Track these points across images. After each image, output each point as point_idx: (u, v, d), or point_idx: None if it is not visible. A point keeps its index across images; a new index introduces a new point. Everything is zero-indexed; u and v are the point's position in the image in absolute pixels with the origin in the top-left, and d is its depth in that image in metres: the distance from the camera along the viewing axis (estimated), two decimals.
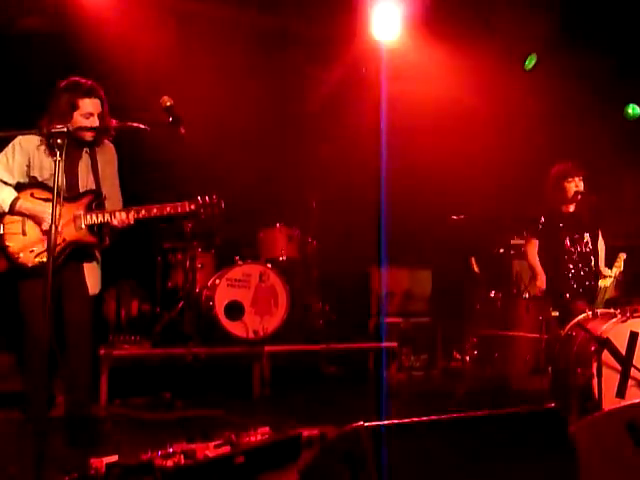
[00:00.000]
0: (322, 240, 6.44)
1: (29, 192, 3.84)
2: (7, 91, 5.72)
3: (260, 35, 6.59)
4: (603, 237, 5.42)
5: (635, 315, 4.46)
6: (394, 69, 7.28)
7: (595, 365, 4.22)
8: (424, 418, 2.74)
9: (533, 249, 5.36)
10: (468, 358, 6.28)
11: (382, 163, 7.50)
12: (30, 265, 3.79)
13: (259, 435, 3.17)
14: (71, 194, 3.83)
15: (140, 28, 6.19)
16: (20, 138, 3.86)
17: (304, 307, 6.15)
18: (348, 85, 7.35)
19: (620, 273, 5.32)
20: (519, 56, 7.17)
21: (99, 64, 6.02)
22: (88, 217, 3.88)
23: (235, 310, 5.59)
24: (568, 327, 4.77)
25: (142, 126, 3.49)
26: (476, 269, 6.91)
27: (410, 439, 3.26)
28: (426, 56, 7.03)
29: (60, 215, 3.27)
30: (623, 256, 5.30)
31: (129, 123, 3.48)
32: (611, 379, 4.26)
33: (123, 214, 3.88)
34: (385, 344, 6.03)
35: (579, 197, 5.24)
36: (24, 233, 3.81)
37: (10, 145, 3.86)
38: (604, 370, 4.22)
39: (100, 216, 3.88)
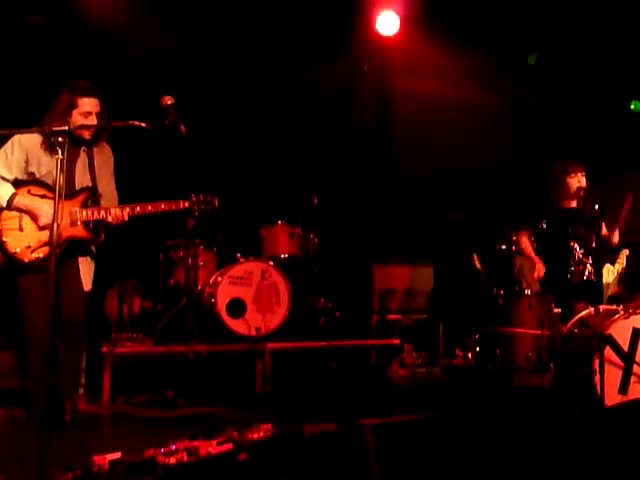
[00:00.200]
0: (324, 237, 6.44)
1: (26, 189, 3.89)
2: (8, 90, 5.72)
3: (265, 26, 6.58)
4: (605, 232, 5.41)
5: (638, 311, 4.46)
6: (396, 65, 7.29)
7: (597, 362, 4.21)
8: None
9: (525, 239, 5.36)
10: (470, 355, 6.29)
11: (384, 160, 7.53)
12: (27, 260, 3.84)
13: (262, 432, 3.17)
14: (67, 191, 3.86)
15: (140, 26, 6.20)
16: (19, 135, 3.90)
17: (306, 304, 6.14)
18: (350, 81, 7.35)
19: (623, 269, 5.32)
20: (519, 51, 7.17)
21: (101, 63, 6.06)
22: (84, 213, 3.94)
23: (237, 307, 5.59)
24: (570, 324, 4.77)
25: (143, 124, 3.50)
26: (478, 265, 6.91)
27: (412, 436, 3.27)
28: (426, 51, 7.02)
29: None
30: (626, 252, 5.30)
31: (130, 122, 3.49)
32: (613, 376, 4.26)
33: (118, 211, 3.95)
34: (387, 341, 6.03)
35: (582, 193, 5.24)
36: (21, 229, 3.86)
37: (9, 142, 3.91)
38: (606, 367, 4.21)
39: (95, 212, 3.94)
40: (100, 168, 4.11)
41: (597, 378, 4.17)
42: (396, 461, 3.08)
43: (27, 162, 3.93)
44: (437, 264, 7.00)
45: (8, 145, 3.93)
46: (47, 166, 3.92)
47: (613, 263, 5.41)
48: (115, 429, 4.40)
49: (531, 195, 5.81)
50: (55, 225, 3.02)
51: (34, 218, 3.86)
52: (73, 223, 3.92)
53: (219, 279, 5.64)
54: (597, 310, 4.70)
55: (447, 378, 6.32)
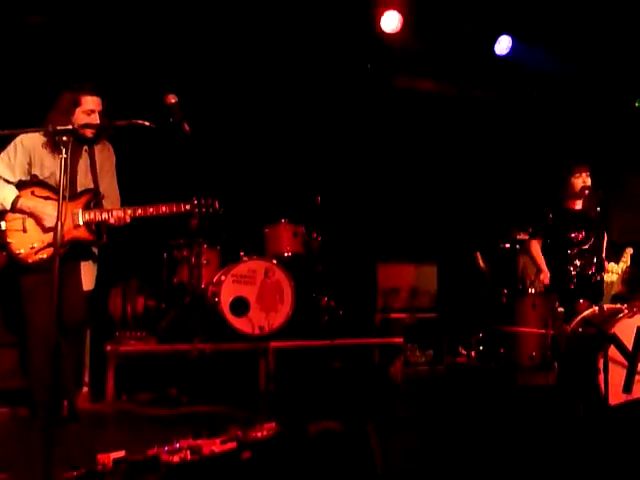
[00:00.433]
0: (327, 236, 6.44)
1: (30, 190, 3.90)
2: (12, 90, 5.73)
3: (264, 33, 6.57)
4: (609, 233, 5.41)
5: None
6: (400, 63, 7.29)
7: (602, 361, 4.21)
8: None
9: (537, 245, 5.36)
10: (474, 354, 6.28)
11: (387, 158, 7.52)
12: (31, 261, 3.85)
13: (265, 431, 3.17)
14: (70, 193, 3.86)
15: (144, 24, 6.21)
16: (22, 137, 3.92)
17: (309, 303, 6.14)
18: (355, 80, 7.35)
19: (627, 268, 5.31)
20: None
21: (104, 62, 6.06)
22: (86, 215, 3.95)
23: (240, 306, 5.59)
24: (574, 323, 4.77)
25: (147, 123, 3.50)
26: (482, 264, 6.90)
27: (414, 434, 3.27)
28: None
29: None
30: (630, 251, 5.29)
31: (134, 120, 3.50)
32: (618, 375, 4.25)
33: (120, 213, 3.96)
34: (390, 340, 6.02)
35: (586, 192, 5.23)
36: (25, 230, 3.87)
37: (12, 144, 3.92)
38: (610, 366, 4.21)
39: (98, 214, 3.95)
40: (102, 167, 4.12)
41: (601, 377, 4.17)
42: (398, 461, 3.08)
43: (30, 164, 3.94)
44: (441, 263, 6.99)
45: (11, 147, 3.93)
46: (50, 168, 3.93)
47: (617, 262, 5.41)
48: (119, 427, 4.41)
49: (535, 194, 5.82)
50: (59, 225, 3.03)
51: (38, 220, 3.87)
52: (76, 225, 3.93)
53: (222, 278, 5.65)
54: (601, 309, 4.69)
55: (451, 377, 6.32)
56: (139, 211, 4.01)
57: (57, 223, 3.03)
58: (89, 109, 3.93)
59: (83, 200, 3.99)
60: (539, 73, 7.16)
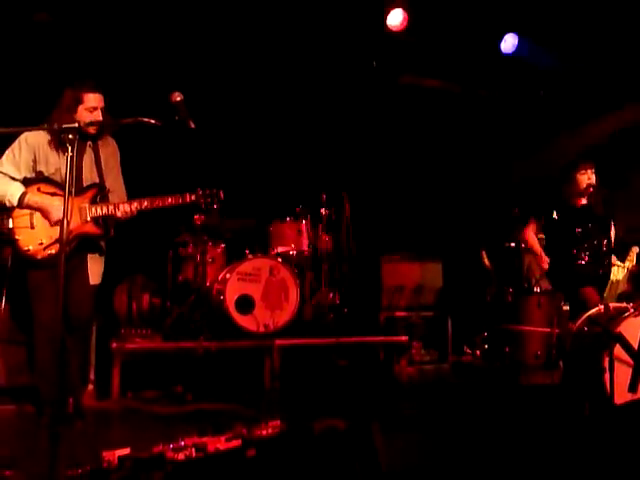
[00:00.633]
0: (332, 233, 6.44)
1: (36, 187, 3.92)
2: (16, 88, 5.75)
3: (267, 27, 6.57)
4: (615, 230, 5.40)
5: None
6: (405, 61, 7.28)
7: (607, 360, 4.20)
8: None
9: (530, 231, 5.37)
10: (479, 352, 6.27)
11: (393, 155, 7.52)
12: (39, 257, 3.87)
13: (270, 428, 3.17)
14: (76, 188, 3.87)
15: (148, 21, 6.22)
16: (26, 134, 3.93)
17: (314, 301, 6.14)
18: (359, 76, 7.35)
19: (633, 267, 5.30)
20: None
21: (109, 60, 6.08)
22: (93, 209, 3.97)
23: (246, 304, 5.60)
24: (580, 321, 4.76)
25: (153, 121, 3.51)
26: (487, 263, 6.89)
27: (418, 432, 3.26)
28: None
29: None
30: (636, 250, 5.29)
31: (140, 118, 3.51)
32: (623, 374, 4.24)
33: (127, 206, 3.99)
34: (396, 338, 6.02)
35: (591, 190, 5.23)
36: (32, 226, 3.89)
37: (16, 141, 3.94)
38: (616, 365, 4.20)
39: (105, 208, 3.98)
40: (107, 162, 4.14)
41: (607, 376, 4.16)
42: (402, 459, 3.08)
43: (35, 161, 3.96)
44: (446, 261, 6.99)
45: (15, 145, 3.95)
46: (55, 164, 3.95)
47: (623, 261, 5.40)
48: (124, 425, 4.42)
49: (541, 191, 5.81)
50: (65, 222, 3.04)
51: (45, 215, 3.89)
52: (83, 219, 3.95)
53: (228, 275, 5.65)
54: (607, 308, 4.68)
55: (455, 375, 6.32)
56: (145, 203, 4.03)
57: (63, 220, 3.05)
58: (91, 106, 3.94)
59: (89, 195, 4.01)
60: (544, 70, 7.14)
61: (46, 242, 3.87)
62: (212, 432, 3.01)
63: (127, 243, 4.60)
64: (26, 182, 3.93)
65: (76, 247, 3.95)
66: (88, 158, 4.06)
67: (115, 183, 4.20)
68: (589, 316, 4.73)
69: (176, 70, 6.27)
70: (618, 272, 5.52)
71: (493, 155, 7.67)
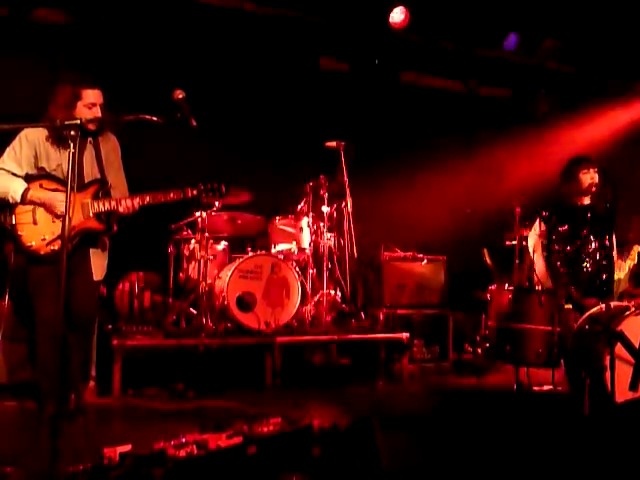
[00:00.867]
0: (334, 231, 6.43)
1: (38, 183, 3.92)
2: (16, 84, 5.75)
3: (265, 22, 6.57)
4: (617, 230, 5.39)
5: None
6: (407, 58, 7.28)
7: (608, 358, 4.20)
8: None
9: (536, 237, 5.37)
10: (480, 350, 6.27)
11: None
12: (43, 253, 3.88)
13: (271, 426, 3.18)
14: (78, 184, 3.87)
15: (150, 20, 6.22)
16: (26, 131, 3.94)
17: (316, 298, 6.14)
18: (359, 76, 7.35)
19: (634, 266, 5.30)
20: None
21: (111, 57, 6.08)
22: (95, 205, 3.98)
23: (247, 301, 5.60)
24: (581, 320, 4.76)
25: (155, 118, 3.52)
26: (488, 261, 6.89)
27: (419, 430, 3.27)
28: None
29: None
30: (638, 248, 5.28)
31: (142, 115, 3.51)
32: (624, 372, 4.24)
33: (129, 201, 3.99)
34: (397, 335, 6.02)
35: (594, 189, 5.22)
36: (35, 222, 3.89)
37: (17, 138, 3.95)
38: (617, 363, 4.20)
39: (107, 204, 3.99)
40: (107, 158, 4.14)
41: (608, 374, 4.16)
42: (402, 457, 3.08)
43: (36, 157, 3.96)
44: (448, 259, 6.98)
45: (16, 141, 3.96)
46: (56, 160, 3.95)
47: (624, 259, 5.40)
48: (125, 421, 4.43)
49: (544, 190, 5.80)
50: (67, 218, 3.04)
51: (49, 210, 3.90)
52: (85, 215, 3.95)
53: (229, 273, 5.65)
54: (608, 306, 4.68)
55: (456, 374, 6.32)
56: (147, 199, 4.04)
57: (65, 217, 3.05)
58: (90, 102, 3.94)
59: (91, 190, 4.02)
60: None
61: (49, 238, 3.88)
62: (213, 429, 3.01)
63: (129, 240, 4.60)
64: (28, 178, 3.94)
65: (79, 243, 3.96)
66: (89, 154, 4.07)
67: (116, 179, 4.21)
68: (590, 314, 4.73)
69: (179, 66, 6.28)
70: (620, 271, 5.52)
71: (493, 153, 7.67)
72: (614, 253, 5.32)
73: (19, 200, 3.87)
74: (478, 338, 6.41)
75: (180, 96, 3.75)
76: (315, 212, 6.33)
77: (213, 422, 3.13)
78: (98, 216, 4.01)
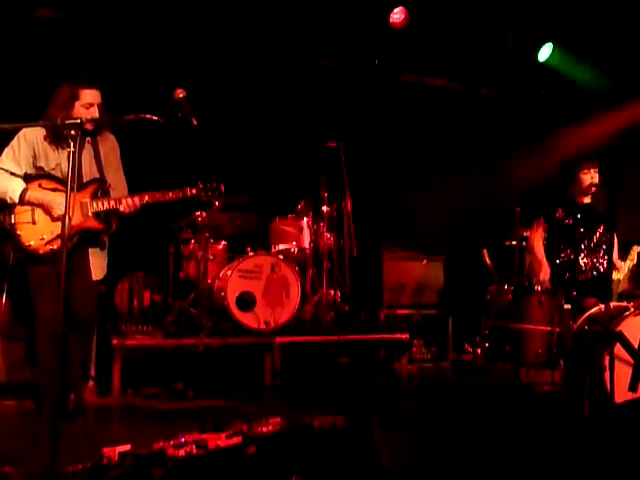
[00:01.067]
0: (333, 231, 6.43)
1: (37, 183, 3.92)
2: (12, 82, 5.75)
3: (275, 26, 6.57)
4: (617, 230, 5.39)
5: None
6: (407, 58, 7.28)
7: (607, 358, 4.20)
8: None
9: (537, 237, 5.38)
10: (479, 350, 6.27)
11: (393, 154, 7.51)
12: (42, 252, 3.87)
13: (271, 425, 3.18)
14: (77, 183, 3.87)
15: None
16: (24, 130, 3.93)
17: (315, 298, 6.14)
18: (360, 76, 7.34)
19: (633, 266, 5.31)
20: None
21: (112, 56, 6.07)
22: (94, 204, 3.97)
23: (246, 301, 5.60)
24: (581, 320, 4.76)
25: (155, 118, 3.51)
26: (488, 261, 6.89)
27: (418, 430, 3.27)
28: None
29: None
30: (637, 249, 5.28)
31: (143, 115, 3.51)
32: (623, 372, 4.24)
33: (130, 200, 3.98)
34: (396, 335, 6.02)
35: (593, 189, 5.23)
36: (34, 222, 3.89)
37: (16, 138, 3.94)
38: (616, 363, 4.20)
39: (106, 203, 3.97)
40: (106, 158, 4.13)
41: (607, 375, 4.16)
42: (401, 456, 3.08)
43: (35, 157, 3.95)
44: (448, 259, 6.99)
45: (15, 141, 3.95)
46: (55, 160, 3.95)
47: (624, 259, 5.40)
48: (125, 421, 4.43)
49: (544, 190, 5.81)
50: (67, 218, 3.04)
51: (47, 211, 3.89)
52: (84, 214, 3.95)
53: (229, 272, 5.66)
54: (607, 307, 4.68)
55: (455, 374, 6.32)
56: (146, 198, 4.03)
57: (65, 217, 3.05)
58: (88, 102, 3.92)
59: (90, 190, 4.01)
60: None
61: (48, 237, 3.88)
62: (213, 429, 3.01)
63: (128, 240, 4.60)
64: (27, 178, 3.93)
65: (78, 242, 3.95)
66: (87, 154, 4.06)
67: (116, 178, 4.20)
68: (590, 315, 4.73)
69: (179, 66, 6.28)
70: (619, 271, 5.52)
71: (495, 153, 7.67)
72: (615, 253, 5.33)
73: (17, 201, 3.86)
74: (477, 338, 6.41)
75: (181, 95, 3.75)
76: (315, 212, 6.33)
77: (212, 422, 3.13)
78: (97, 215, 4.00)
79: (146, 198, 4.04)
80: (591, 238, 5.25)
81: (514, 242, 6.36)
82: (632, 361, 4.28)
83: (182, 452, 2.73)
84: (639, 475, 3.00)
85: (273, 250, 6.15)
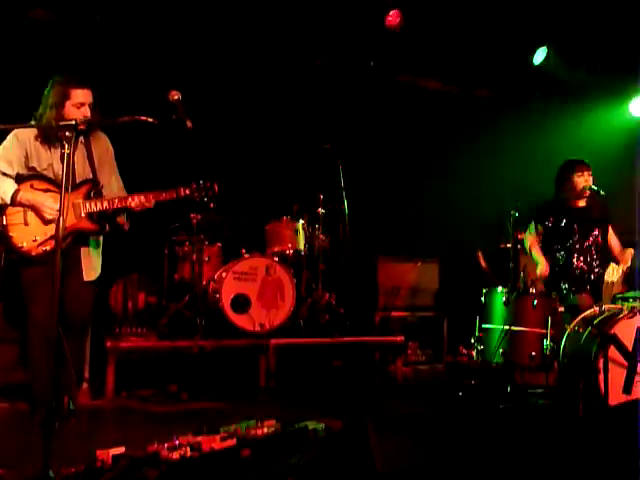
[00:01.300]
0: (329, 233, 6.43)
1: (29, 184, 3.90)
2: (5, 83, 5.73)
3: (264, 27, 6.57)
4: (615, 233, 5.41)
5: None
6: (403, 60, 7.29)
7: (601, 361, 4.21)
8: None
9: (531, 237, 5.40)
10: (474, 353, 6.27)
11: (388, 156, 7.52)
12: (34, 254, 3.86)
13: (265, 428, 3.18)
14: (70, 184, 3.86)
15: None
16: (16, 130, 3.92)
17: (310, 300, 6.14)
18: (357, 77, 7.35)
19: (628, 268, 5.32)
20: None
21: (106, 58, 6.06)
22: (87, 205, 3.96)
23: (241, 303, 5.59)
24: (575, 323, 4.77)
25: (150, 120, 3.51)
26: (483, 264, 6.90)
27: (413, 432, 3.26)
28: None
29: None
30: (631, 251, 5.29)
31: (137, 117, 3.50)
32: (617, 375, 4.25)
33: (142, 197, 3.99)
34: (391, 338, 6.02)
35: (587, 192, 5.25)
36: (26, 223, 3.87)
37: (8, 138, 3.94)
38: (610, 366, 4.21)
39: (99, 204, 3.96)
40: (100, 158, 4.12)
41: (601, 377, 4.17)
42: (396, 459, 3.08)
43: (27, 157, 3.93)
44: (443, 261, 6.99)
45: (7, 141, 3.94)
46: (47, 160, 3.93)
47: (618, 263, 5.41)
48: (119, 424, 4.41)
49: (537, 192, 5.81)
50: (61, 219, 3.03)
51: (38, 212, 3.87)
52: (77, 215, 3.93)
53: (224, 274, 5.65)
54: (601, 309, 4.69)
55: (450, 376, 6.33)
56: (141, 198, 4.02)
57: (59, 217, 3.04)
58: (79, 102, 3.90)
59: (83, 190, 3.99)
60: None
61: (40, 239, 3.86)
62: (207, 431, 3.01)
63: (123, 241, 4.59)
64: (19, 179, 3.91)
65: (71, 243, 3.94)
66: (80, 154, 4.03)
67: (111, 179, 4.19)
68: (584, 317, 4.74)
69: (173, 67, 6.27)
70: (613, 273, 5.54)
71: (490, 155, 7.68)
72: (615, 252, 5.34)
73: (9, 202, 3.84)
74: (472, 340, 6.41)
75: (176, 97, 3.74)
76: (310, 214, 6.33)
77: (207, 424, 3.13)
78: (90, 216, 3.98)
79: (140, 198, 4.02)
80: (586, 241, 5.26)
81: (509, 244, 6.37)
82: (626, 363, 4.29)
83: (176, 455, 2.73)
84: (633, 478, 3.00)
85: (268, 252, 6.14)
